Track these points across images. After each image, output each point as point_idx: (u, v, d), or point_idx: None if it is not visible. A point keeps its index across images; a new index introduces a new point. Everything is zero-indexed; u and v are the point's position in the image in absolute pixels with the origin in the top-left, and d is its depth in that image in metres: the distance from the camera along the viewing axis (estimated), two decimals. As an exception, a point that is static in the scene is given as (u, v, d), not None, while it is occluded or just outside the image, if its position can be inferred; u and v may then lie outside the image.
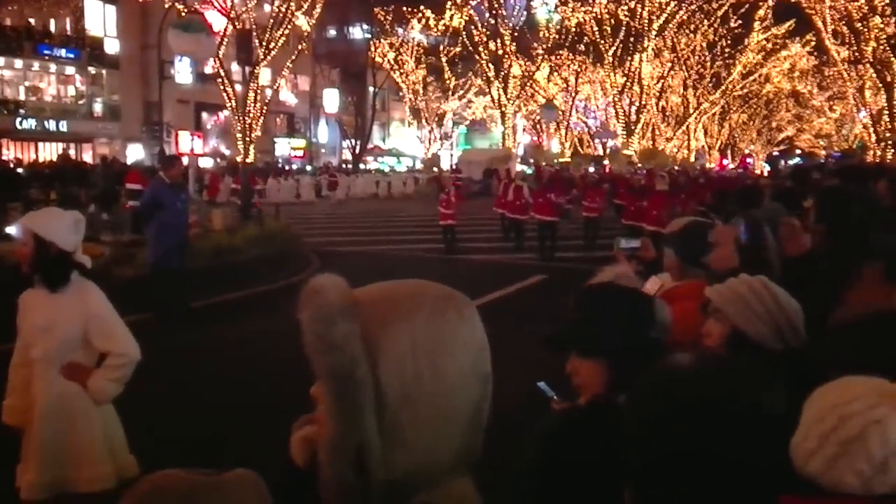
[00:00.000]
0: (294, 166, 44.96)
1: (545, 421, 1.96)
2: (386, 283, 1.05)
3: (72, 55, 39.43)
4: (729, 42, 50.50)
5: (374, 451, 0.94)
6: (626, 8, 43.08)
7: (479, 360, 0.99)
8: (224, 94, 20.36)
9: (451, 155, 55.32)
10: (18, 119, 37.30)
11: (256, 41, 19.29)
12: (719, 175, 34.29)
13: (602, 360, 1.87)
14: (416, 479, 0.96)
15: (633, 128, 46.40)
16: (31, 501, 3.37)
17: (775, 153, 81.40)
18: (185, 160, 13.37)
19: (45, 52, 38.52)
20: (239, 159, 21.32)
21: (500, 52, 42.88)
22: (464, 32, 43.29)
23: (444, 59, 48.72)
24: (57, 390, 3.36)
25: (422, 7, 45.06)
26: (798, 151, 79.79)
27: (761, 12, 47.93)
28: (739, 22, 48.17)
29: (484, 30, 42.86)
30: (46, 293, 3.37)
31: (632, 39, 44.25)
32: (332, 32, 52.73)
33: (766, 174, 51.95)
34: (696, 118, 53.98)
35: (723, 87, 52.12)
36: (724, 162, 65.04)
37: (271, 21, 20.14)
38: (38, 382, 3.40)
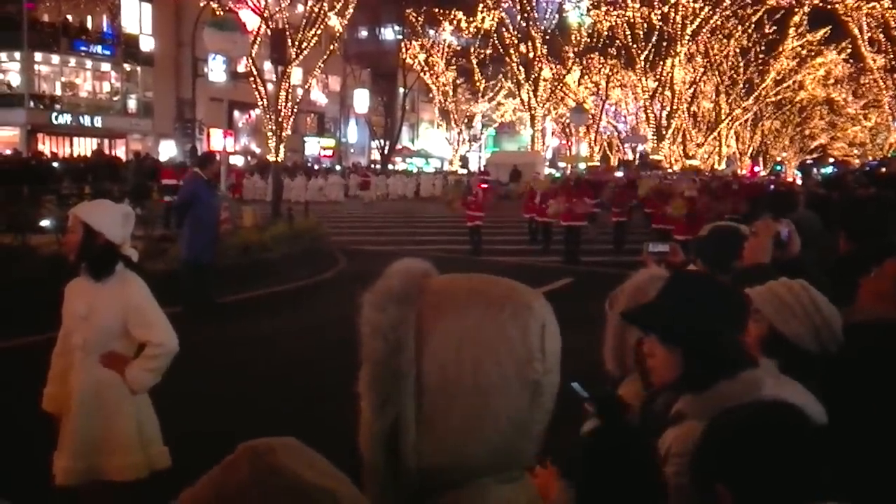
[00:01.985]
0: (323, 165, 45.21)
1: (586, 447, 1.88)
2: (460, 275, 1.05)
3: (107, 52, 40.01)
4: (763, 48, 49.98)
5: (408, 437, 0.95)
6: (658, 12, 42.78)
7: (527, 367, 0.96)
8: (256, 93, 20.53)
9: (480, 157, 55.31)
10: (54, 114, 37.92)
11: (289, 41, 19.43)
12: (751, 182, 33.95)
13: (679, 350, 1.80)
14: (445, 473, 0.96)
15: (663, 133, 46.08)
16: (65, 487, 3.43)
17: (808, 161, 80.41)
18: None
19: (82, 48, 39.13)
20: (269, 158, 21.49)
21: (531, 54, 42.78)
22: (495, 35, 43.27)
23: (474, 61, 48.72)
24: (94, 378, 3.41)
25: (453, 9, 45.12)
26: (831, 160, 78.72)
27: (796, 18, 47.36)
28: (774, 28, 47.65)
29: (515, 32, 42.81)
30: (90, 282, 3.43)
31: (664, 44, 43.94)
32: (364, 33, 52.96)
33: (798, 182, 51.33)
34: (727, 124, 53.46)
35: (756, 94, 51.56)
36: (756, 169, 64.35)
37: (304, 21, 20.28)
38: (77, 370, 3.46)
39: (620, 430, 1.64)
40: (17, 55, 37.13)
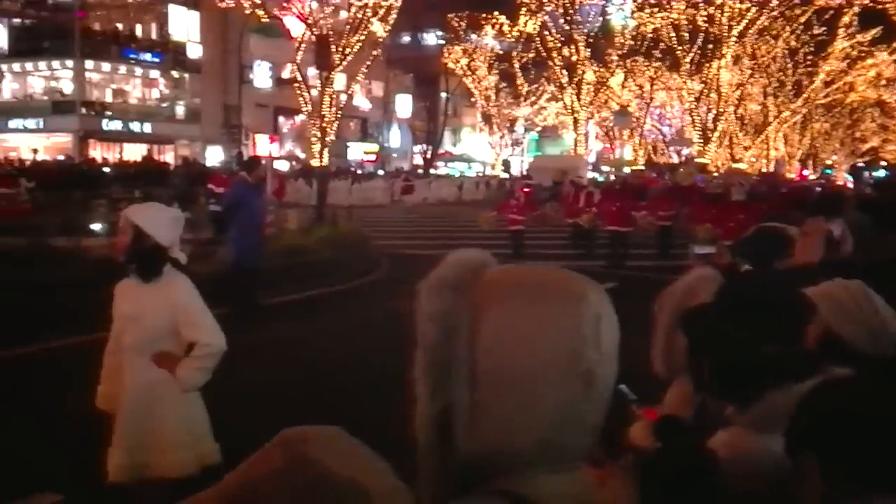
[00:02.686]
0: (366, 170, 45.53)
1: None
2: (519, 265, 1.07)
3: (156, 59, 40.86)
4: (811, 49, 49.00)
5: (461, 423, 0.97)
6: (704, 14, 42.21)
7: (579, 357, 0.96)
8: (300, 99, 20.78)
9: (522, 161, 55.20)
10: (105, 120, 38.83)
11: (332, 47, 19.62)
12: (801, 185, 33.28)
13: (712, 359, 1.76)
14: (496, 461, 0.97)
15: (709, 136, 45.45)
16: (117, 484, 3.50)
17: (859, 164, 78.64)
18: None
19: (131, 56, 40.02)
20: (313, 162, 21.70)
21: (574, 58, 42.55)
22: (537, 38, 43.10)
23: (516, 65, 48.63)
24: (145, 378, 3.49)
25: (495, 13, 45.10)
26: (883, 163, 76.86)
27: (846, 19, 46.32)
28: (823, 28, 46.68)
29: (558, 35, 42.61)
30: (139, 283, 3.51)
31: (710, 46, 43.33)
32: (406, 38, 53.25)
33: (848, 185, 50.24)
34: (776, 127, 52.53)
35: (804, 96, 50.56)
36: (805, 172, 63.13)
37: (347, 27, 20.47)
38: (128, 369, 3.54)
39: (681, 454, 1.60)
40: (70, 63, 38.14)
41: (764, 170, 51.08)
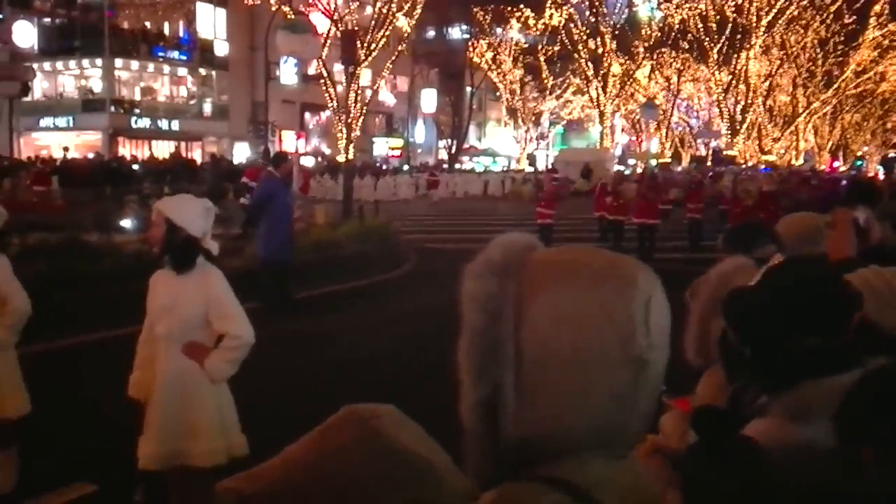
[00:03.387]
0: (392, 165, 45.63)
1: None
2: (566, 246, 1.05)
3: (184, 57, 41.21)
4: (842, 39, 48.25)
5: (507, 407, 0.96)
6: (732, 4, 41.76)
7: (630, 341, 0.94)
8: (326, 95, 20.86)
9: (547, 155, 54.96)
10: (133, 118, 39.27)
11: (358, 42, 19.68)
12: (831, 176, 32.84)
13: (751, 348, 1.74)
14: (545, 445, 0.96)
15: (738, 128, 44.97)
16: (148, 471, 3.55)
17: (891, 155, 77.36)
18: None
19: (160, 54, 40.41)
20: (339, 158, 21.79)
21: (600, 50, 42.28)
22: (563, 31, 42.89)
23: (541, 59, 48.42)
24: (177, 367, 3.54)
25: (521, 6, 44.93)
26: (915, 153, 75.56)
27: (877, 7, 45.62)
28: (854, 18, 45.95)
29: (584, 28, 42.35)
30: (173, 274, 3.57)
31: (738, 36, 42.87)
32: (431, 33, 53.19)
33: (880, 177, 49.45)
34: (805, 118, 51.84)
35: (835, 86, 49.87)
36: (835, 164, 62.23)
37: (373, 22, 20.50)
38: (161, 359, 3.59)
39: (722, 449, 1.57)
40: (99, 62, 38.60)
41: (794, 162, 50.48)
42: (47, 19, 39.83)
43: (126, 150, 37.78)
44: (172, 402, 3.53)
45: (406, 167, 44.73)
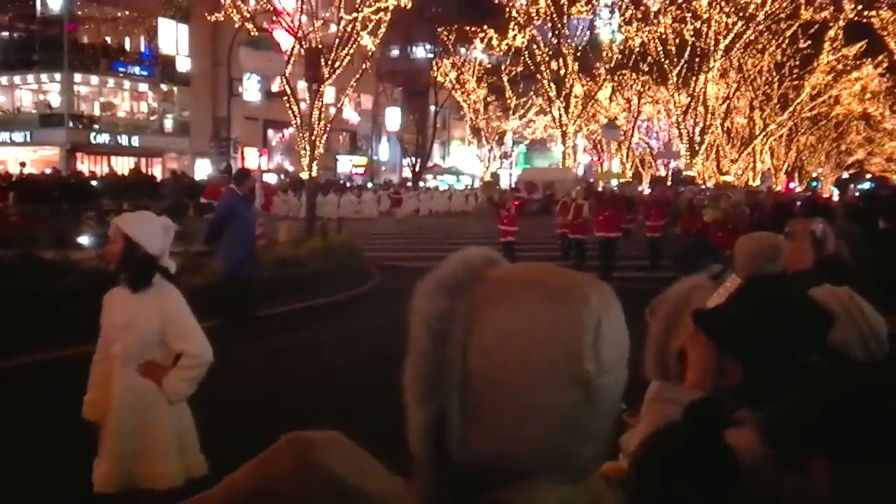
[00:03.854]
0: (356, 183, 45.58)
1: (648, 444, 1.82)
2: (524, 264, 1.01)
3: (145, 72, 40.81)
4: (797, 63, 49.44)
5: (452, 431, 0.92)
6: (691, 28, 42.59)
7: (577, 363, 0.90)
8: (290, 112, 20.78)
9: (511, 174, 55.35)
10: (93, 133, 38.72)
11: (322, 60, 19.66)
12: (788, 197, 33.53)
13: (740, 359, 1.75)
14: (493, 469, 0.92)
15: (696, 149, 45.73)
16: (103, 494, 3.48)
17: (844, 177, 79.27)
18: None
19: (120, 69, 39.96)
20: (303, 175, 21.68)
21: (562, 71, 42.79)
22: (526, 52, 43.34)
23: (505, 79, 48.86)
24: (133, 387, 3.47)
25: (484, 27, 45.33)
26: (868, 175, 77.53)
27: (832, 33, 46.84)
28: (809, 42, 47.12)
29: (546, 49, 42.85)
30: (129, 293, 3.50)
31: (697, 59, 43.68)
32: (396, 52, 53.43)
33: (834, 198, 50.62)
34: (762, 140, 52.92)
35: (791, 109, 51.00)
36: (791, 185, 63.57)
37: (337, 41, 20.50)
38: (116, 378, 3.52)
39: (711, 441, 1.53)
40: (58, 76, 38.04)
41: (751, 182, 51.44)
42: (5, 32, 39.24)
43: (85, 165, 37.22)
44: (128, 422, 3.46)
45: (370, 185, 44.71)
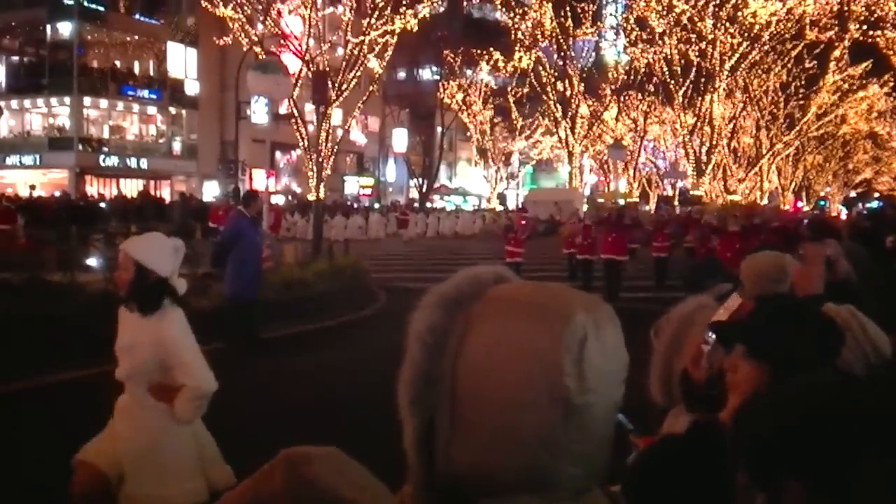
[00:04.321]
0: (363, 204, 45.68)
1: (640, 456, 1.84)
2: (524, 282, 1.01)
3: (154, 96, 41.14)
4: (803, 82, 49.53)
5: (440, 441, 0.94)
6: (696, 48, 42.73)
7: (557, 380, 0.89)
8: (297, 134, 20.89)
9: (518, 194, 55.43)
10: (102, 156, 38.99)
11: (329, 83, 19.79)
12: (794, 217, 33.46)
13: (767, 367, 1.76)
14: (472, 482, 0.93)
15: (703, 168, 45.73)
16: None
17: (852, 195, 79.10)
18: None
19: (129, 92, 40.30)
20: (310, 197, 21.76)
21: (568, 92, 42.95)
22: (532, 73, 43.54)
23: (511, 100, 49.06)
24: (144, 409, 3.45)
25: (490, 49, 45.59)
26: (876, 194, 77.37)
27: (837, 53, 46.93)
28: (814, 62, 47.22)
29: (552, 71, 43.05)
30: (133, 314, 3.46)
31: (702, 80, 43.79)
32: (402, 74, 53.75)
33: (842, 217, 50.44)
34: (769, 159, 52.89)
35: (797, 128, 51.01)
36: (799, 204, 63.45)
37: (344, 63, 20.64)
38: (125, 399, 3.51)
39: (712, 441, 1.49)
40: (67, 100, 38.39)
41: (759, 202, 51.38)
42: (15, 57, 39.65)
43: (94, 188, 37.47)
44: (145, 444, 3.42)
45: (377, 206, 44.81)
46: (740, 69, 44.29)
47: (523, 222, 20.77)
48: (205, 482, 3.47)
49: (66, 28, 37.95)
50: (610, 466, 0.98)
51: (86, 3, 37.56)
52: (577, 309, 0.93)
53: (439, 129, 52.66)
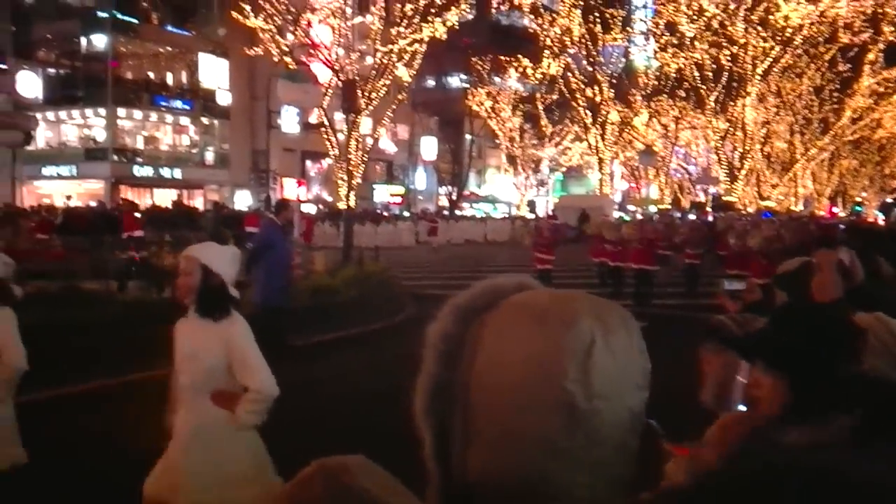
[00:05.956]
0: (392, 212, 45.84)
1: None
2: (539, 290, 1.00)
3: (186, 106, 41.69)
4: (837, 86, 48.84)
5: (455, 449, 0.94)
6: (728, 53, 42.34)
7: (558, 385, 0.88)
8: (327, 143, 21.06)
9: (547, 201, 55.28)
10: (136, 166, 39.59)
11: (359, 91, 19.93)
12: (829, 222, 32.97)
13: (786, 379, 1.75)
14: (486, 490, 0.92)
15: (736, 174, 45.26)
16: None
17: (889, 200, 77.72)
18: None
19: (162, 103, 40.89)
20: (340, 205, 21.90)
21: (598, 98, 42.78)
22: (561, 80, 43.42)
23: (540, 107, 48.95)
24: (205, 417, 3.47)
25: (519, 56, 45.55)
26: (914, 199, 75.91)
27: (871, 56, 46.26)
28: (848, 66, 46.56)
29: (581, 77, 42.92)
30: (197, 322, 3.49)
31: (734, 84, 43.37)
32: (431, 82, 53.94)
33: (879, 222, 49.56)
34: (803, 164, 52.20)
35: (832, 133, 50.30)
36: (834, 210, 62.50)
37: (373, 72, 20.78)
38: (186, 409, 3.52)
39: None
40: (102, 111, 39.05)
41: (793, 208, 50.71)
42: (51, 70, 40.41)
43: (128, 198, 37.95)
44: (201, 452, 3.44)
45: (406, 213, 44.93)
46: (773, 73, 43.79)
47: (551, 228, 20.66)
48: (260, 490, 3.47)
49: (100, 40, 38.63)
50: (635, 475, 0.95)
51: (119, 16, 38.21)
52: (583, 313, 0.92)
53: (468, 136, 52.75)
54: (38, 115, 32.63)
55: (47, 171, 39.57)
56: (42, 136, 38.61)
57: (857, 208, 70.00)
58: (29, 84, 38.38)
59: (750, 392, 1.85)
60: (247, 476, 3.48)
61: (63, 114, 40.37)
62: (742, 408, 2.12)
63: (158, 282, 10.65)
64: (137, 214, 23.72)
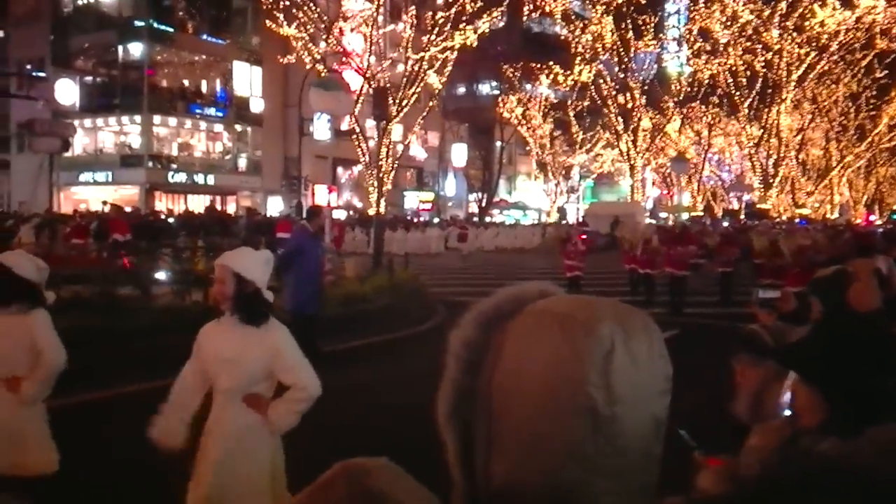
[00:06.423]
0: (422, 219, 45.92)
1: None
2: (561, 296, 1.00)
3: (220, 114, 42.20)
4: (874, 93, 48.03)
5: (478, 456, 0.94)
6: (762, 59, 41.85)
7: (579, 391, 0.88)
8: (358, 150, 21.16)
9: (578, 208, 55.02)
10: (170, 173, 40.14)
11: (390, 99, 20.01)
12: (867, 230, 32.40)
13: (821, 391, 1.75)
14: (510, 496, 0.92)
15: (770, 181, 44.68)
16: None
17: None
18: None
19: (196, 110, 41.44)
20: (370, 212, 22.00)
21: (630, 105, 42.49)
22: (592, 86, 43.21)
23: (571, 113, 48.76)
24: (239, 422, 3.50)
25: (550, 63, 45.42)
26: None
27: (909, 61, 45.44)
28: (885, 72, 45.76)
29: (613, 83, 42.67)
30: (234, 327, 3.52)
31: (769, 91, 42.84)
32: (461, 89, 53.98)
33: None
34: (839, 172, 51.38)
35: (868, 140, 49.46)
36: (871, 217, 61.42)
37: (404, 80, 20.85)
38: (220, 413, 3.55)
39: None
40: (138, 118, 39.66)
41: (829, 215, 49.96)
42: (88, 78, 41.15)
43: (162, 203, 38.50)
44: (227, 460, 3.46)
45: (436, 220, 44.99)
46: (808, 80, 43.20)
47: (583, 236, 20.56)
48: (272, 500, 3.51)
49: (136, 49, 39.27)
50: (657, 483, 0.94)
51: (155, 25, 38.82)
52: (603, 319, 0.91)
53: (498, 143, 52.69)
54: (76, 123, 33.26)
55: (84, 177, 40.26)
56: (79, 143, 39.31)
57: (895, 216, 68.73)
58: (67, 92, 39.18)
59: (793, 402, 1.84)
60: (264, 488, 3.50)
61: (100, 121, 41.07)
62: (785, 415, 2.10)
63: (190, 287, 10.78)
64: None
